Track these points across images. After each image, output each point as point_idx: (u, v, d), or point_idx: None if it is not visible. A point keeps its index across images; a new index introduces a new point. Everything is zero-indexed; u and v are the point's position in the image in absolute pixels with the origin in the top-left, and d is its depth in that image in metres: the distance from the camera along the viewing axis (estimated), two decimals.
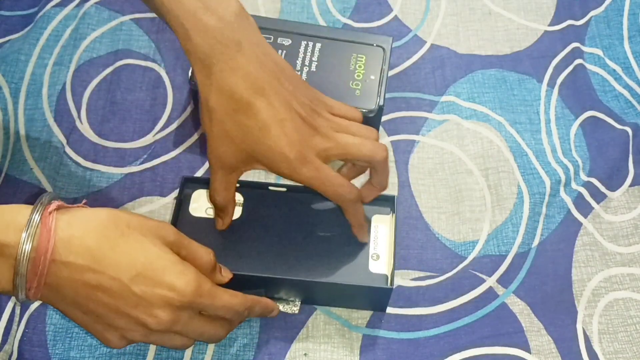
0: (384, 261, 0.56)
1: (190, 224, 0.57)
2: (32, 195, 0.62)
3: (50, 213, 0.41)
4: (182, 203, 0.58)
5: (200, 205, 0.58)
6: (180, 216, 0.58)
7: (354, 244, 0.57)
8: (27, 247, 0.40)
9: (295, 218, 0.58)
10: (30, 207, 0.42)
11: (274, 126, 0.48)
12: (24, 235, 0.40)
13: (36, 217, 0.41)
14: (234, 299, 0.47)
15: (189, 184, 0.59)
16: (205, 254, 0.47)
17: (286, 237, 0.57)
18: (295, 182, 0.51)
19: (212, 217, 0.57)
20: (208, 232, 0.57)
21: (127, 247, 0.42)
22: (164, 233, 0.45)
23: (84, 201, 0.46)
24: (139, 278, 0.42)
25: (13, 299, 0.57)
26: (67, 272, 0.41)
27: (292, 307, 0.57)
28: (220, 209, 0.55)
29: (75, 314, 0.44)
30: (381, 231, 0.58)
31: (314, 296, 0.57)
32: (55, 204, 0.42)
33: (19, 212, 0.41)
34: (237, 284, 0.50)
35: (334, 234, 0.57)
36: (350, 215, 0.55)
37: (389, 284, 0.55)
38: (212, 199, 0.54)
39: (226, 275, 0.50)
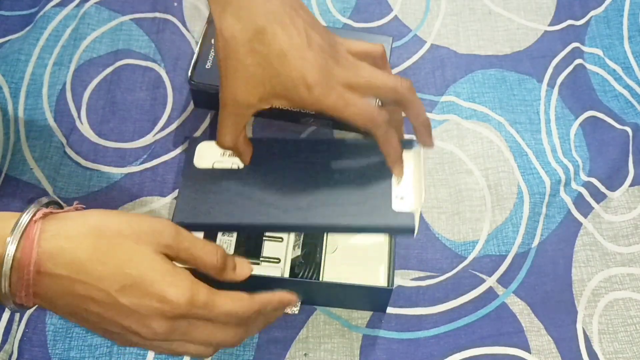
0: (410, 201, 0.50)
1: (195, 177, 0.54)
2: (32, 196, 0.62)
3: (35, 222, 0.40)
4: (188, 159, 0.54)
5: (205, 157, 0.54)
6: (186, 171, 0.54)
7: (375, 185, 0.51)
8: (9, 258, 0.38)
9: (309, 164, 0.53)
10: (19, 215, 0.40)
11: (293, 52, 0.45)
12: (8, 246, 0.38)
13: (21, 227, 0.39)
14: (236, 305, 0.44)
15: (193, 143, 0.56)
16: (210, 253, 0.44)
17: (300, 183, 0.52)
18: (319, 110, 0.47)
19: (219, 168, 0.54)
20: (215, 183, 0.53)
21: (116, 259, 0.40)
22: (160, 237, 0.42)
23: (75, 203, 0.44)
24: (128, 290, 0.40)
25: None
26: (55, 283, 0.40)
27: (292, 307, 0.57)
28: (230, 149, 0.52)
29: (73, 320, 0.43)
30: (406, 170, 0.54)
31: (315, 296, 0.57)
32: (41, 212, 0.40)
33: (7, 220, 0.40)
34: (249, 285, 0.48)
35: (352, 177, 0.52)
36: (383, 143, 0.50)
37: (388, 285, 0.55)
38: (220, 141, 0.50)
39: (242, 272, 0.47)
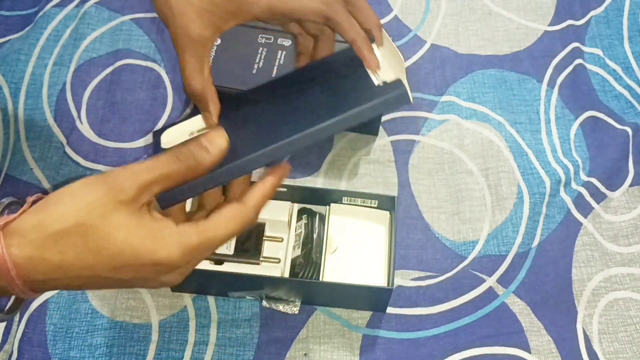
0: (390, 71, 0.47)
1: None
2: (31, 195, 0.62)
3: None
4: (156, 149, 0.49)
5: (171, 140, 0.48)
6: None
7: (354, 78, 0.48)
8: None
9: (285, 96, 0.50)
10: None
11: None
12: None
13: None
14: (230, 226, 0.41)
15: (158, 133, 0.51)
16: (174, 163, 0.40)
17: (282, 111, 0.48)
18: (271, 15, 0.46)
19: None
20: None
21: (92, 248, 0.38)
22: (121, 194, 0.38)
23: (29, 198, 0.40)
24: (119, 270, 0.38)
25: (12, 298, 0.57)
26: (47, 284, 0.39)
27: (292, 307, 0.57)
28: (200, 99, 0.48)
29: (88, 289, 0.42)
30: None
31: (315, 296, 0.57)
32: None
33: None
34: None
35: (331, 83, 0.49)
36: (347, 29, 0.46)
37: (388, 285, 0.55)
38: (187, 88, 0.47)
39: (217, 147, 0.41)
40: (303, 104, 0.48)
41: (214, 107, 0.48)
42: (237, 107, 0.49)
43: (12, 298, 0.44)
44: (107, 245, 0.38)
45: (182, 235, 0.39)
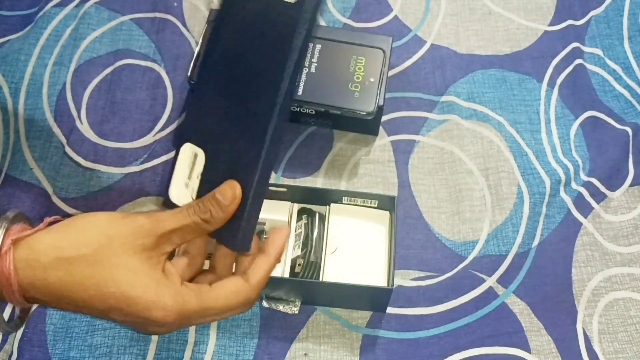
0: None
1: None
2: (32, 195, 0.62)
3: (6, 253, 0.38)
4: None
5: (176, 193, 0.46)
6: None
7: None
8: None
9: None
10: None
11: None
12: None
13: None
14: (231, 301, 0.41)
15: None
16: (187, 216, 0.41)
17: (234, 93, 0.45)
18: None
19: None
20: None
21: (94, 280, 0.38)
22: (145, 240, 0.39)
23: (46, 220, 0.41)
24: (113, 311, 0.39)
25: None
26: (47, 303, 0.39)
27: (292, 307, 0.57)
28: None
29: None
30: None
31: (315, 296, 0.57)
32: (9, 239, 0.38)
33: None
34: None
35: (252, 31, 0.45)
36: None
37: (388, 284, 0.55)
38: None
39: (227, 200, 0.41)
40: (251, 78, 0.45)
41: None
42: (202, 109, 0.47)
43: (17, 312, 0.45)
44: (110, 283, 0.38)
45: (183, 297, 0.40)
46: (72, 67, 0.70)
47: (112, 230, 0.39)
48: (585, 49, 0.74)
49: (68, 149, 0.65)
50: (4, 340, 0.56)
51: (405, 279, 0.60)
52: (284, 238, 0.44)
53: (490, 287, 0.60)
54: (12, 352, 0.55)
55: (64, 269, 0.38)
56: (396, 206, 0.58)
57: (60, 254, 0.38)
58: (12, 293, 0.38)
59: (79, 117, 0.67)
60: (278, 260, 0.44)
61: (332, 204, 0.60)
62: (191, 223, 0.41)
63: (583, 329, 0.58)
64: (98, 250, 0.39)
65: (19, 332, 0.56)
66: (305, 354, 0.56)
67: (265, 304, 0.57)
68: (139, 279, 0.39)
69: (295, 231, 0.58)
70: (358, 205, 0.60)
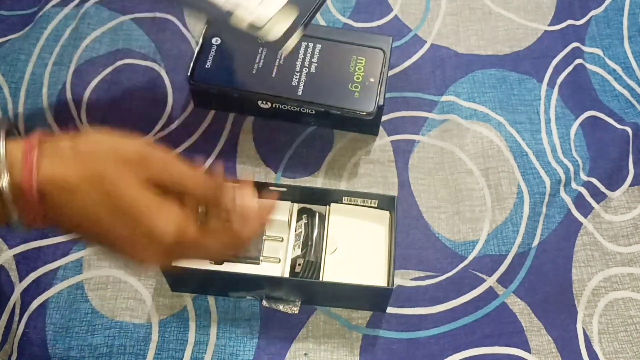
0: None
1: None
2: None
3: (33, 148, 0.39)
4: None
5: None
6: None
7: None
8: (10, 186, 0.39)
9: None
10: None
11: None
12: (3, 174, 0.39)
13: (17, 153, 0.39)
14: (226, 244, 0.43)
15: None
16: (201, 184, 0.43)
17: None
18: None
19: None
20: None
21: (105, 186, 0.40)
22: (146, 169, 0.41)
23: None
24: (120, 218, 0.40)
25: (13, 298, 0.57)
26: (60, 204, 0.40)
27: (292, 307, 0.57)
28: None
29: (89, 240, 0.44)
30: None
31: (315, 296, 0.57)
32: (37, 136, 0.40)
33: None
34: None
35: None
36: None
37: (388, 284, 0.55)
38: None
39: (244, 203, 0.44)
40: None
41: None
42: None
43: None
44: (122, 184, 0.40)
45: (184, 219, 0.41)
46: (72, 67, 0.70)
47: (127, 139, 0.42)
48: (585, 48, 0.74)
49: None
50: (4, 340, 0.56)
51: (405, 279, 0.60)
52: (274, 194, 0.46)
53: (490, 287, 0.60)
54: (12, 352, 0.55)
55: (82, 163, 0.40)
56: (396, 206, 0.58)
57: (81, 149, 0.40)
58: (30, 189, 0.38)
59: (79, 117, 0.67)
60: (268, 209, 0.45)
61: (332, 204, 0.60)
62: (196, 188, 0.43)
63: (583, 328, 0.58)
64: (115, 148, 0.41)
65: (19, 332, 0.56)
66: (305, 354, 0.56)
67: (265, 303, 0.57)
68: (141, 197, 0.40)
69: (295, 231, 0.58)
70: (358, 205, 0.60)
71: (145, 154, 0.42)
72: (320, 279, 0.55)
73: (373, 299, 0.57)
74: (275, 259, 0.57)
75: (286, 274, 0.56)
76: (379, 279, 0.57)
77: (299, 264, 0.56)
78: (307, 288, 0.56)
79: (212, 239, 0.43)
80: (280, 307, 0.57)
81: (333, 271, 0.56)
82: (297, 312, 0.57)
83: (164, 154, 0.42)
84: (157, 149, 0.42)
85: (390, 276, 0.55)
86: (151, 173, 0.41)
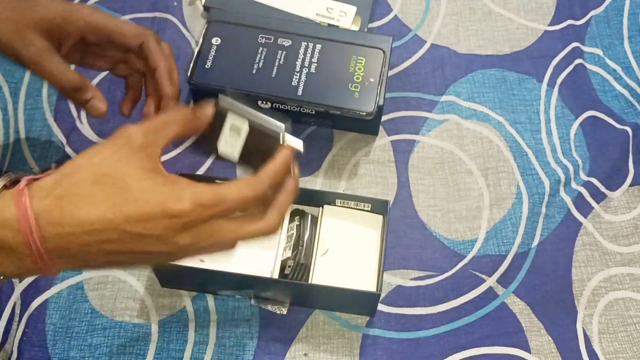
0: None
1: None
2: None
3: (22, 189, 0.39)
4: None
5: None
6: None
7: None
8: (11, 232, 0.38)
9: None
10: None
11: None
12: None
13: (10, 206, 0.38)
14: (243, 191, 0.42)
15: None
16: (168, 114, 0.44)
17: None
18: (97, 30, 0.53)
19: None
20: None
21: (104, 194, 0.39)
22: (131, 142, 0.41)
23: (53, 166, 0.43)
24: (132, 219, 0.39)
25: (13, 298, 0.57)
26: (63, 241, 0.39)
27: (280, 308, 0.57)
28: (76, 93, 0.54)
29: (103, 267, 0.43)
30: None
31: (304, 298, 0.57)
32: (25, 180, 0.40)
33: None
34: None
35: None
36: (154, 57, 0.55)
37: (377, 289, 0.54)
38: (65, 84, 0.54)
39: (204, 112, 0.46)
40: None
41: (98, 101, 0.57)
42: None
43: None
44: (120, 190, 0.39)
45: (195, 188, 0.40)
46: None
47: (105, 149, 0.41)
48: (585, 48, 0.74)
49: (68, 149, 0.65)
50: (4, 340, 0.56)
51: (405, 279, 0.60)
52: (289, 149, 0.46)
53: (490, 287, 0.60)
54: (12, 352, 0.55)
55: (73, 194, 0.39)
56: (389, 210, 0.58)
57: (67, 182, 0.39)
58: (31, 235, 0.38)
59: (79, 117, 0.67)
60: (285, 159, 0.45)
61: (325, 206, 0.60)
62: (173, 117, 0.44)
63: (583, 328, 0.58)
64: (97, 167, 0.40)
65: (19, 332, 0.56)
66: (305, 354, 0.56)
67: (253, 302, 0.57)
68: (144, 183, 0.40)
69: (287, 232, 0.58)
70: (351, 208, 0.60)
71: (124, 133, 0.42)
72: (310, 282, 0.55)
73: (361, 303, 0.57)
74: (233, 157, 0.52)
75: (275, 275, 0.55)
76: (369, 283, 0.56)
77: (289, 266, 0.56)
78: (295, 290, 0.56)
79: (229, 189, 0.41)
80: (269, 307, 0.57)
81: (323, 274, 0.56)
82: (285, 312, 0.57)
83: (143, 128, 0.42)
84: (130, 127, 0.42)
85: (379, 281, 0.54)
86: (141, 145, 0.41)
